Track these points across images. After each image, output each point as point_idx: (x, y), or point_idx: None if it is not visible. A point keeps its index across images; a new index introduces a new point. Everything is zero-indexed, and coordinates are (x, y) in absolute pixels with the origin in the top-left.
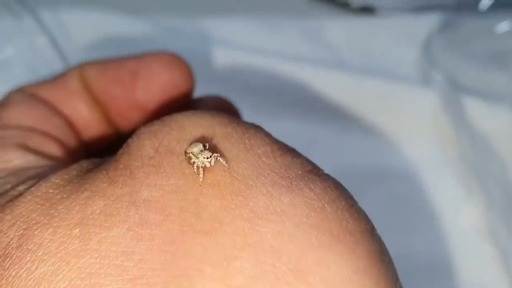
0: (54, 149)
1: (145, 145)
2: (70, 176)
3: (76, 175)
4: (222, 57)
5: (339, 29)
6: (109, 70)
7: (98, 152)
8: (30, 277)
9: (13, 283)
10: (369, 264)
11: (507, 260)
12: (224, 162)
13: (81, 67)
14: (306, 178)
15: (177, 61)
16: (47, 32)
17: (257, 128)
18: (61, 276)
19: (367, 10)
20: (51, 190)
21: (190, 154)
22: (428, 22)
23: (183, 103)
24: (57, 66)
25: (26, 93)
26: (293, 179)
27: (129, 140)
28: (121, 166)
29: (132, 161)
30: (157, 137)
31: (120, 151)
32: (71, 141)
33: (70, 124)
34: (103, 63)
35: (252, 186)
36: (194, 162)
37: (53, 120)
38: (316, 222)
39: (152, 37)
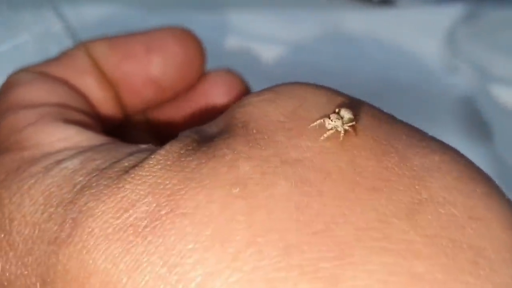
0: (93, 124)
1: (269, 111)
2: (188, 144)
3: (194, 145)
4: (239, 50)
5: (360, 21)
6: (119, 46)
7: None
8: (197, 239)
9: (173, 249)
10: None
11: None
12: (363, 128)
13: (88, 44)
14: (432, 140)
15: (190, 35)
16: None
17: (360, 100)
18: (236, 236)
19: (387, 2)
20: (182, 158)
21: (327, 120)
22: (451, 12)
23: (196, 78)
24: None
25: (33, 73)
26: (425, 140)
27: (237, 110)
28: (253, 131)
29: (263, 126)
30: (278, 104)
31: (228, 120)
32: (96, 117)
33: (88, 101)
34: (113, 39)
35: (399, 149)
36: (333, 127)
37: (74, 96)
38: (470, 175)
39: None
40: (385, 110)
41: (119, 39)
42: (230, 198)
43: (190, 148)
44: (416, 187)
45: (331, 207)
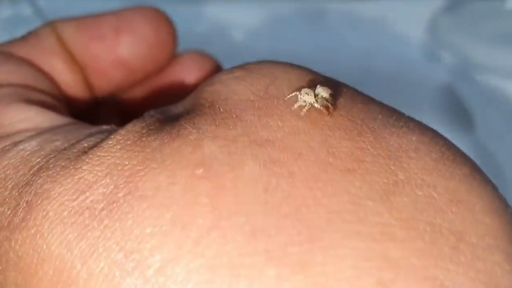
0: (58, 106)
1: (239, 89)
2: (151, 124)
3: (157, 125)
4: (217, 40)
5: (341, 10)
6: (88, 26)
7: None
8: (156, 223)
9: (130, 234)
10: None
11: None
12: (339, 106)
13: (56, 24)
14: (410, 120)
15: (160, 15)
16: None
17: (334, 79)
18: (199, 219)
19: None
20: (143, 138)
21: (300, 97)
22: (433, 2)
23: (167, 59)
24: None
25: None
26: (402, 120)
27: (205, 89)
28: (221, 109)
29: (232, 105)
30: (248, 82)
31: (195, 99)
32: (61, 99)
33: (53, 82)
34: (81, 20)
35: (375, 128)
36: (306, 105)
37: (39, 77)
38: (451, 156)
39: None
40: None
41: (88, 19)
42: (194, 179)
43: (152, 127)
44: (392, 167)
45: (301, 189)
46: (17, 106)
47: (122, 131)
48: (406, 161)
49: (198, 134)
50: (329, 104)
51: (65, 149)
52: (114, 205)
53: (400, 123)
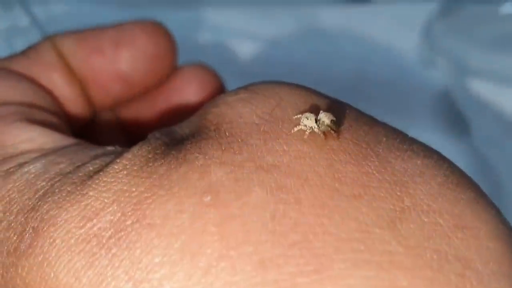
0: (60, 124)
1: (244, 112)
2: (157, 147)
3: (163, 148)
4: (214, 46)
5: (336, 17)
6: (87, 40)
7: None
8: (165, 252)
9: (139, 263)
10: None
11: None
12: (345, 130)
13: (55, 38)
14: (414, 142)
15: (160, 28)
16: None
17: (339, 100)
18: (208, 249)
19: None
20: (150, 163)
21: (312, 123)
22: (427, 7)
23: (167, 73)
24: None
25: None
26: (406, 143)
27: (210, 110)
28: (226, 133)
29: (237, 129)
30: (254, 105)
31: (200, 121)
32: (62, 116)
33: (54, 98)
34: (81, 34)
35: (380, 152)
36: (310, 129)
37: (40, 93)
38: (456, 180)
39: None
40: (362, 106)
41: (87, 33)
42: (202, 207)
43: (159, 151)
44: (398, 193)
45: (309, 216)
46: (19, 126)
47: (129, 155)
48: (412, 187)
49: (205, 160)
50: (330, 130)
51: (70, 172)
52: (122, 233)
53: (405, 146)
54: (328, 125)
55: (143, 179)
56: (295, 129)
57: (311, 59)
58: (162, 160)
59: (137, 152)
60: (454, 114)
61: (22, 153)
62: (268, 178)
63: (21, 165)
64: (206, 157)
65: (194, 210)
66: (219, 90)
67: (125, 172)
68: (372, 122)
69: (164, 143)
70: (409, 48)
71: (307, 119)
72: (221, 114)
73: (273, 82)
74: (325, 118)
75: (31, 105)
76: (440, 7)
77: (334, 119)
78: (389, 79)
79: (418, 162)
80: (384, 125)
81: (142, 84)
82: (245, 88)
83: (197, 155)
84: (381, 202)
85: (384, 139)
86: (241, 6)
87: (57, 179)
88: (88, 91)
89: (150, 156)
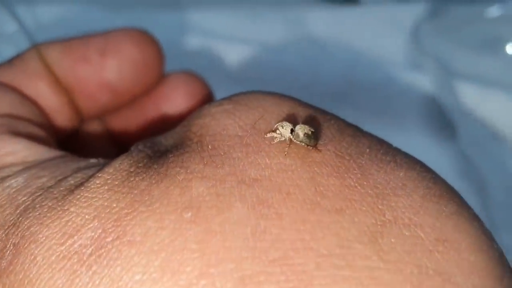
0: (45, 136)
1: (228, 124)
2: (139, 161)
3: (145, 161)
4: (202, 50)
5: (324, 20)
6: (73, 49)
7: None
8: (145, 270)
9: (119, 281)
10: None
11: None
12: (327, 142)
13: (41, 47)
14: (398, 153)
15: (147, 36)
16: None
17: (324, 110)
18: (188, 267)
19: (351, 0)
20: (131, 178)
21: (287, 133)
22: (414, 10)
23: (154, 81)
24: None
25: None
26: (390, 154)
27: (194, 122)
28: (209, 146)
29: (220, 141)
30: (237, 116)
31: (184, 132)
32: (48, 127)
33: (39, 108)
34: (66, 42)
35: (362, 164)
36: (292, 141)
37: (25, 104)
38: (438, 192)
39: None
40: (350, 109)
41: (73, 42)
42: (182, 224)
43: (141, 165)
44: (380, 207)
45: (290, 232)
46: (3, 138)
47: (110, 169)
48: (393, 199)
49: (186, 174)
50: (303, 144)
51: (51, 187)
52: (103, 250)
53: (388, 157)
54: (302, 140)
55: (124, 195)
56: (268, 135)
57: (300, 63)
58: (144, 175)
59: (119, 166)
60: (441, 117)
61: (5, 167)
62: (250, 192)
63: (3, 179)
64: (188, 171)
65: (175, 227)
66: (207, 97)
67: (106, 188)
68: (356, 133)
69: (147, 155)
70: (397, 51)
71: (282, 127)
72: (205, 125)
73: (258, 92)
74: (300, 131)
75: (16, 117)
76: (427, 8)
77: (310, 132)
78: (377, 82)
79: (401, 174)
80: (368, 136)
81: (129, 92)
82: (230, 98)
83: (179, 169)
84: (363, 216)
85: (368, 150)
86: (230, 9)
87: (38, 194)
88: (74, 100)
89: (131, 170)
